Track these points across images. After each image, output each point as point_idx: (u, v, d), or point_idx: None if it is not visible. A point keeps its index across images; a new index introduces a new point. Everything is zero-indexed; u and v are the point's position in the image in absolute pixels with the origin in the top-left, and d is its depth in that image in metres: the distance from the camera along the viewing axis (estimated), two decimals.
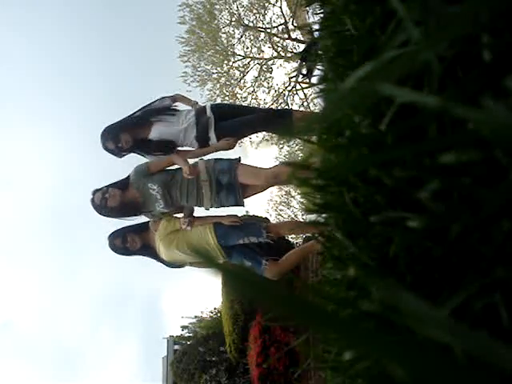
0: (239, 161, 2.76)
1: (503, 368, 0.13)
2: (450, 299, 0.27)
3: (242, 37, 10.56)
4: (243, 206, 2.78)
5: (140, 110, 2.90)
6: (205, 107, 2.85)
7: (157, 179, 2.72)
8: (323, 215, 0.52)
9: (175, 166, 2.81)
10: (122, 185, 2.76)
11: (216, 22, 10.38)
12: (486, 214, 0.26)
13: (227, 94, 10.60)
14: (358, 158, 0.34)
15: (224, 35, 10.58)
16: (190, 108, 2.93)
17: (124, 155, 2.87)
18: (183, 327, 9.47)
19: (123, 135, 2.76)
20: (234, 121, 2.81)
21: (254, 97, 10.52)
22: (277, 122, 2.79)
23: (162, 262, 2.86)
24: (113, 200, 2.70)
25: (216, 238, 2.71)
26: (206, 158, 2.83)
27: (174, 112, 2.86)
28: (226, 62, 10.65)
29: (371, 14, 0.41)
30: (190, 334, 8.80)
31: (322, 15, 0.62)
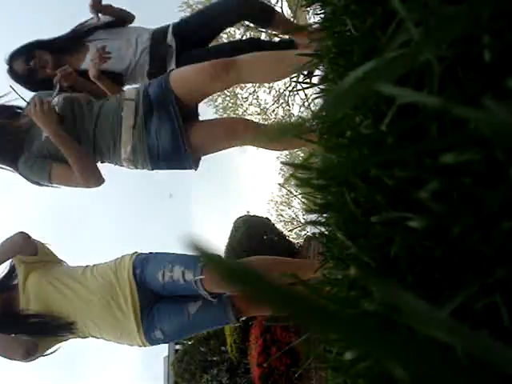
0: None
1: (504, 368, 0.13)
2: (451, 299, 0.27)
3: (242, 37, 10.56)
4: (187, 152, 1.61)
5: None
6: (166, 31, 1.90)
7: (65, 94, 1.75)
8: (324, 215, 0.52)
9: None
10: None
11: None
12: (487, 214, 0.26)
13: (228, 93, 10.60)
14: (359, 158, 0.34)
15: (225, 35, 10.59)
16: (141, 27, 1.99)
17: (35, 87, 1.85)
18: None
19: (40, 53, 1.85)
20: (202, 50, 1.91)
21: (254, 97, 10.52)
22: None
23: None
24: None
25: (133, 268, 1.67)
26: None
27: (115, 28, 1.93)
28: None
29: (372, 15, 0.41)
30: None
31: (322, 15, 0.62)
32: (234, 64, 1.60)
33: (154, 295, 1.67)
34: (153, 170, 1.71)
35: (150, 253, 1.73)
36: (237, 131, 1.68)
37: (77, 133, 1.65)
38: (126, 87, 1.86)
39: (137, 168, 1.70)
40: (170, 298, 1.66)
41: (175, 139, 1.60)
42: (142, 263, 1.65)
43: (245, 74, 1.61)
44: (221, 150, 1.76)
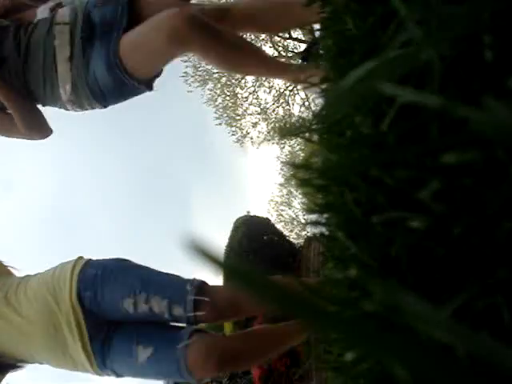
0: None
1: (504, 368, 0.13)
2: (452, 300, 0.27)
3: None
4: (131, 80, 1.22)
5: None
6: None
7: None
8: (324, 215, 0.52)
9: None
10: None
11: None
12: (488, 214, 0.26)
13: (228, 93, 10.61)
14: (359, 158, 0.34)
15: None
16: None
17: None
18: None
19: None
20: None
21: (255, 97, 10.53)
22: None
23: None
24: None
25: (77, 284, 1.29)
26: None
27: None
28: None
29: (372, 14, 0.41)
30: None
31: (323, 15, 0.62)
32: (227, 13, 1.20)
33: (107, 320, 1.33)
34: (106, 107, 1.35)
35: (103, 266, 1.35)
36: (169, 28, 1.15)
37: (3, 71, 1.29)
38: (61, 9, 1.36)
39: (85, 110, 1.34)
40: (126, 326, 1.32)
41: (111, 69, 1.20)
42: (92, 284, 1.29)
43: (242, 24, 1.25)
44: (169, 59, 1.27)
